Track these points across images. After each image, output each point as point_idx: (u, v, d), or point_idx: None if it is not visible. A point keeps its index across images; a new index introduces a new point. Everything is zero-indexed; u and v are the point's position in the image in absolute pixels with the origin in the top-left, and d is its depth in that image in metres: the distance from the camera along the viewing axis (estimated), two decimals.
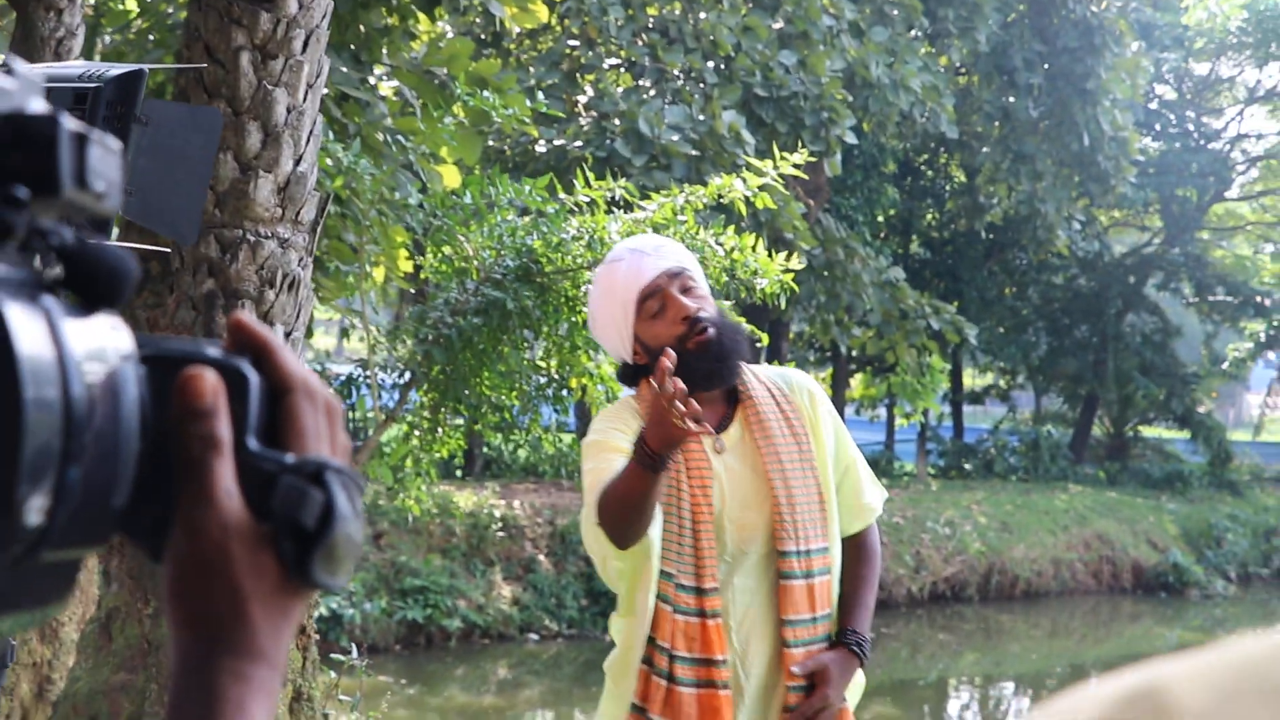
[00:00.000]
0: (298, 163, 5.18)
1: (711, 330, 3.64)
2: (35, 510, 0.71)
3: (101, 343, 0.77)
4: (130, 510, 0.79)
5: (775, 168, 8.30)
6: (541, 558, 16.07)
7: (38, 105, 0.74)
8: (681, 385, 3.25)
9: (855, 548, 3.84)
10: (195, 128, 2.48)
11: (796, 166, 8.20)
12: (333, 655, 7.61)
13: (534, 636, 15.38)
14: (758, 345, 3.98)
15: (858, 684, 3.81)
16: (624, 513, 3.57)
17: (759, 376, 3.80)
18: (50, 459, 0.71)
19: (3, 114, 0.73)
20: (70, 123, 0.74)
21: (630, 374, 3.85)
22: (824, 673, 3.58)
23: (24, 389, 0.68)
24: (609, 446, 3.69)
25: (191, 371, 0.82)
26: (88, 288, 0.77)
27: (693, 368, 3.61)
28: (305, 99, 5.22)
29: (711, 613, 3.63)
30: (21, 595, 0.76)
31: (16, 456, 0.68)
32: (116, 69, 2.17)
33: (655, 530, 3.64)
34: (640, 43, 15.73)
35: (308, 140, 5.23)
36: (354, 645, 8.27)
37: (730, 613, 3.65)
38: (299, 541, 0.83)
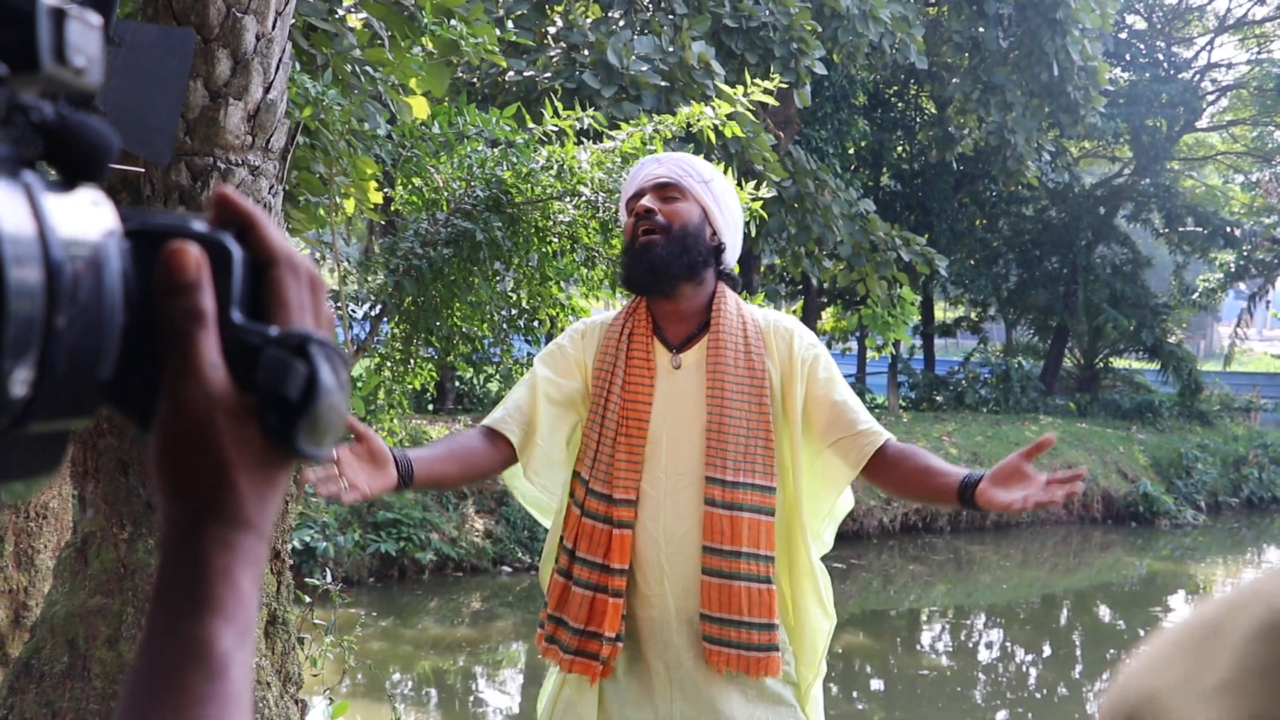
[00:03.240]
0: (267, 90, 5.17)
1: (655, 235, 3.73)
2: (19, 383, 0.72)
3: (84, 217, 0.77)
4: (117, 382, 0.81)
5: (746, 95, 8.30)
6: None
7: None
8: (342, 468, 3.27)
9: (891, 458, 3.70)
10: (168, 48, 2.48)
11: (768, 92, 8.19)
12: (308, 580, 7.64)
13: (507, 569, 15.42)
14: (735, 281, 3.96)
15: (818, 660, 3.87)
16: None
17: (739, 310, 3.83)
18: (33, 333, 0.71)
19: None
20: None
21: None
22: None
23: (5, 264, 0.69)
24: (537, 371, 3.90)
25: (175, 245, 0.82)
26: (69, 162, 0.77)
27: (629, 264, 3.77)
28: (274, 26, 5.20)
29: (620, 522, 3.69)
30: (10, 466, 0.77)
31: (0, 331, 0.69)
32: None
33: (545, 450, 3.82)
34: None
35: (277, 68, 5.22)
36: (328, 571, 8.30)
37: (652, 532, 3.70)
38: (283, 412, 0.84)
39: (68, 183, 0.78)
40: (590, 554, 3.71)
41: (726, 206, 3.83)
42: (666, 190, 3.77)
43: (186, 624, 0.84)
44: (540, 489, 3.92)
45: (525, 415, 3.81)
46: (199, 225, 0.85)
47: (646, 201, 3.75)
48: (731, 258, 3.87)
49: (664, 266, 3.72)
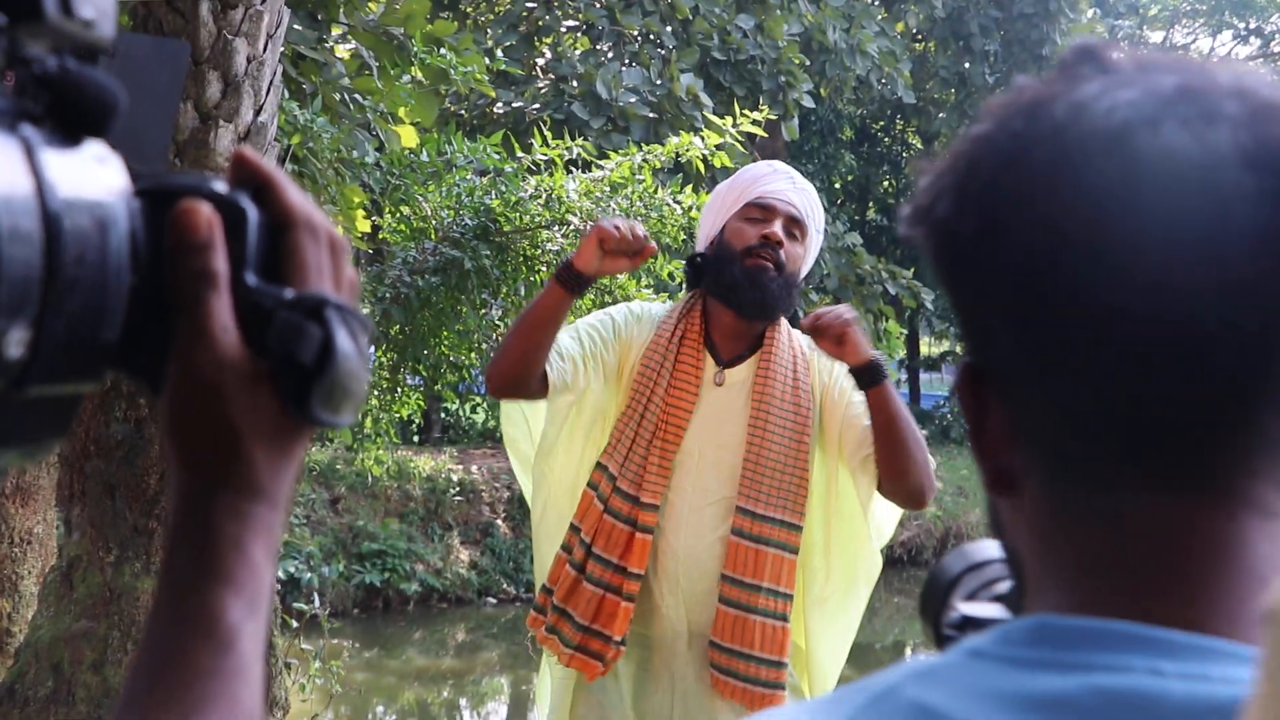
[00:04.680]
0: (258, 113, 5.17)
1: (772, 266, 3.62)
2: (15, 343, 0.69)
3: (88, 174, 0.74)
4: (127, 346, 0.78)
5: (735, 125, 8.32)
6: (499, 522, 16.06)
7: None
8: (641, 230, 3.40)
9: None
10: (162, 60, 2.47)
11: (755, 123, 8.20)
12: (296, 605, 7.61)
13: (491, 600, 15.37)
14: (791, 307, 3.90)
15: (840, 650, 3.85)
16: (520, 329, 3.55)
17: (790, 338, 3.77)
18: (29, 292, 0.69)
19: None
20: None
21: (691, 271, 3.84)
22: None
23: None
24: (589, 325, 3.78)
25: (186, 205, 0.80)
26: (73, 117, 0.75)
27: (735, 278, 3.65)
28: (265, 49, 5.20)
29: (643, 527, 3.63)
30: (11, 431, 0.75)
31: None
32: None
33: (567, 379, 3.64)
34: (598, 5, 15.68)
35: (268, 91, 5.21)
36: (317, 596, 8.27)
37: (679, 540, 3.65)
38: (297, 378, 0.82)
39: (72, 138, 0.75)
40: (608, 553, 3.64)
41: (815, 252, 3.80)
42: (794, 226, 3.68)
43: (194, 595, 0.81)
44: (524, 429, 3.90)
45: (572, 367, 3.65)
46: (212, 185, 0.83)
47: (779, 230, 3.64)
48: None
49: (766, 301, 3.65)
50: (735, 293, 3.67)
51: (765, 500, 3.61)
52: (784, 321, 3.79)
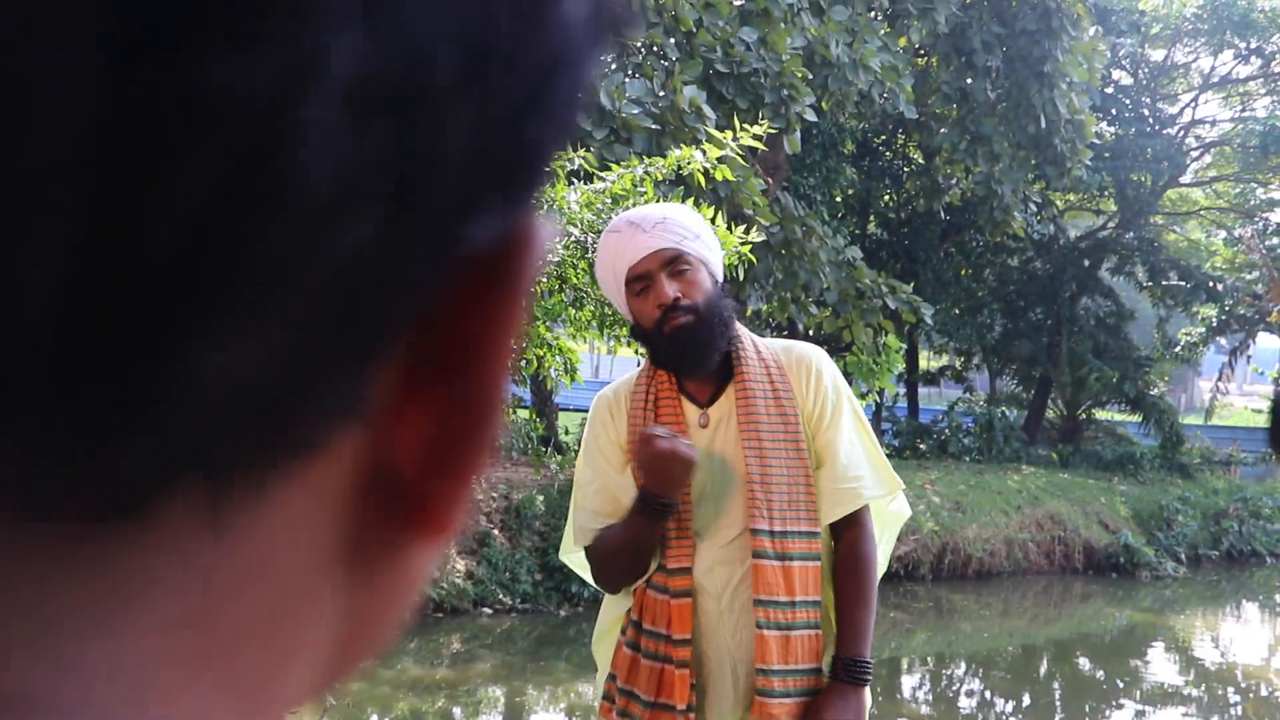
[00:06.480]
0: None
1: (687, 317, 3.56)
2: None
3: None
4: None
5: (735, 139, 8.31)
6: (496, 532, 16.03)
7: None
8: (664, 441, 3.43)
9: (841, 557, 3.75)
10: None
11: (757, 138, 8.20)
12: None
13: (487, 611, 15.35)
14: (739, 306, 3.90)
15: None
16: (620, 560, 3.69)
17: (759, 349, 3.74)
18: None
19: None
20: None
21: (638, 334, 3.78)
22: (819, 714, 3.58)
23: None
24: (594, 466, 3.79)
25: None
26: None
27: (665, 351, 3.63)
28: None
29: (677, 592, 3.63)
30: None
31: None
32: None
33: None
34: None
35: None
36: None
37: (709, 590, 3.65)
38: None
39: None
40: (655, 625, 3.66)
41: (715, 246, 3.71)
42: (675, 265, 3.57)
43: None
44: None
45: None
46: None
47: (667, 289, 3.55)
48: None
49: (707, 348, 3.62)
50: (673, 362, 3.68)
51: (779, 516, 3.60)
52: (747, 338, 3.77)
